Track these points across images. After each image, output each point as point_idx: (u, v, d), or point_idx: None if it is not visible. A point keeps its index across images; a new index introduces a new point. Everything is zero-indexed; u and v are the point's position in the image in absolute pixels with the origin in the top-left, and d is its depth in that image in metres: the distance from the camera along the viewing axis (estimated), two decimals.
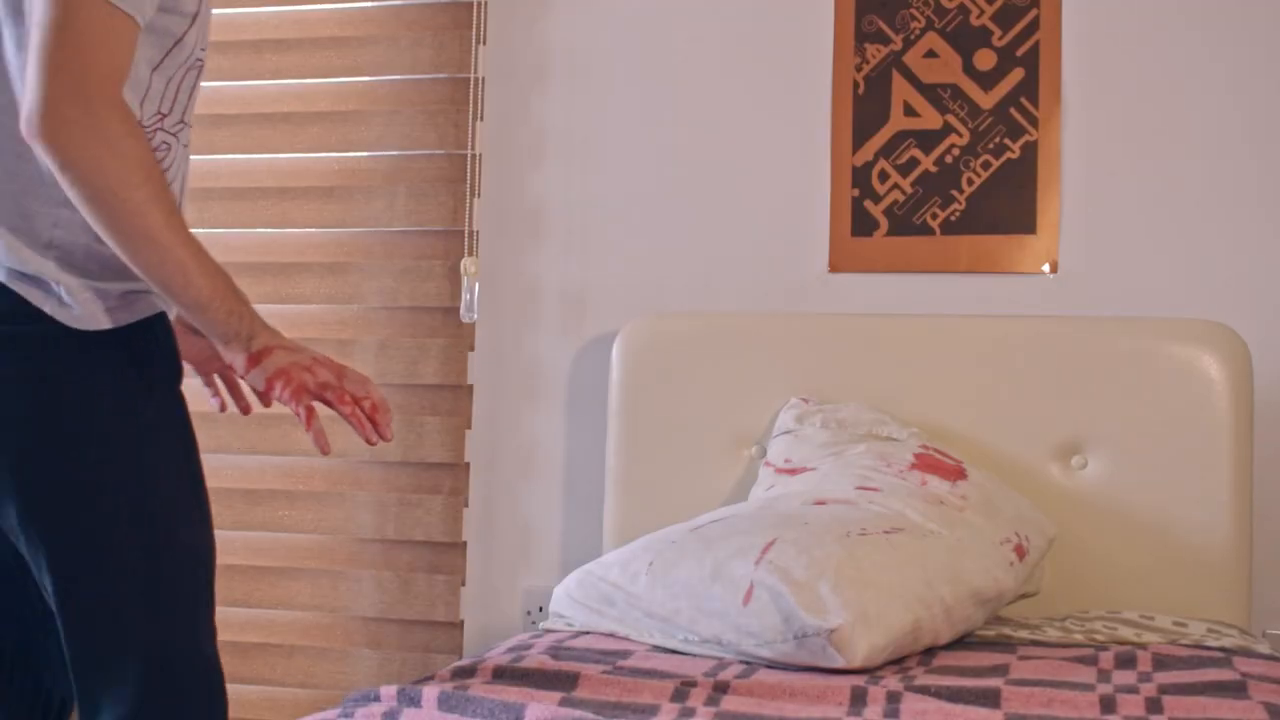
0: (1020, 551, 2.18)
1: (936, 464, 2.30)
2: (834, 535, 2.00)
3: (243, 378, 1.73)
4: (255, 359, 1.71)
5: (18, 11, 1.66)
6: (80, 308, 1.67)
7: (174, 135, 1.78)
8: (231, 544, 2.93)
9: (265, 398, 1.74)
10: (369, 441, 1.76)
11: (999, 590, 2.10)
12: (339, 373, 1.76)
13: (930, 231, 2.71)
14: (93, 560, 1.66)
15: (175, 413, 1.75)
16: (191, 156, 2.93)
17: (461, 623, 2.92)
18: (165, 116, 1.76)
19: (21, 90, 1.64)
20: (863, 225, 2.74)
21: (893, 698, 1.62)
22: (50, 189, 1.65)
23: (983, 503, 2.24)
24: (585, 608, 2.14)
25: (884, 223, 2.73)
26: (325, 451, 1.74)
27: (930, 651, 2.01)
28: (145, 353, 1.73)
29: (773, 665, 1.89)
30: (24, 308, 1.65)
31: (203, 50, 1.80)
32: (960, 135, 2.71)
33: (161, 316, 1.76)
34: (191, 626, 1.72)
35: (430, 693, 1.59)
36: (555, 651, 1.91)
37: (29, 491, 1.66)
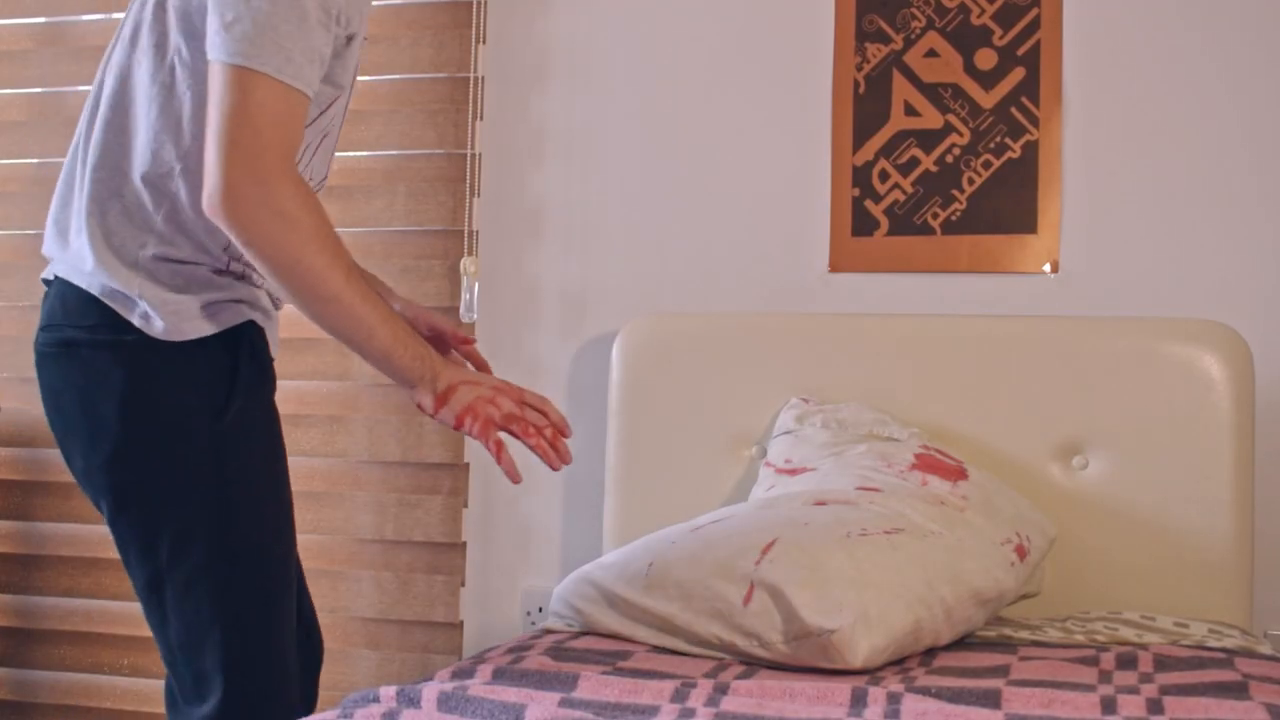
0: (1021, 552, 2.18)
1: (937, 464, 2.29)
2: (835, 536, 2.00)
3: (433, 416, 1.84)
4: (443, 398, 1.83)
5: (160, 48, 1.78)
6: (164, 321, 1.77)
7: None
8: None
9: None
10: (553, 468, 1.88)
11: (1000, 591, 2.09)
12: (519, 400, 1.87)
13: (931, 231, 2.71)
14: (172, 558, 1.79)
15: (257, 417, 1.86)
16: None
17: (461, 623, 2.92)
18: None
19: (144, 119, 1.77)
20: (863, 225, 2.74)
21: (893, 698, 1.62)
22: (144, 215, 1.78)
23: (983, 503, 2.23)
24: (584, 609, 2.14)
25: (884, 222, 2.73)
26: (516, 481, 1.86)
27: (931, 652, 2.00)
28: (229, 361, 1.83)
29: (773, 666, 1.88)
30: (115, 320, 1.78)
31: (342, 117, 1.93)
32: (961, 135, 2.70)
33: (249, 324, 1.85)
34: (265, 624, 1.83)
35: (430, 693, 1.59)
36: (555, 652, 1.90)
37: (118, 490, 1.80)
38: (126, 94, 1.82)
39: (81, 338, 1.81)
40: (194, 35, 1.75)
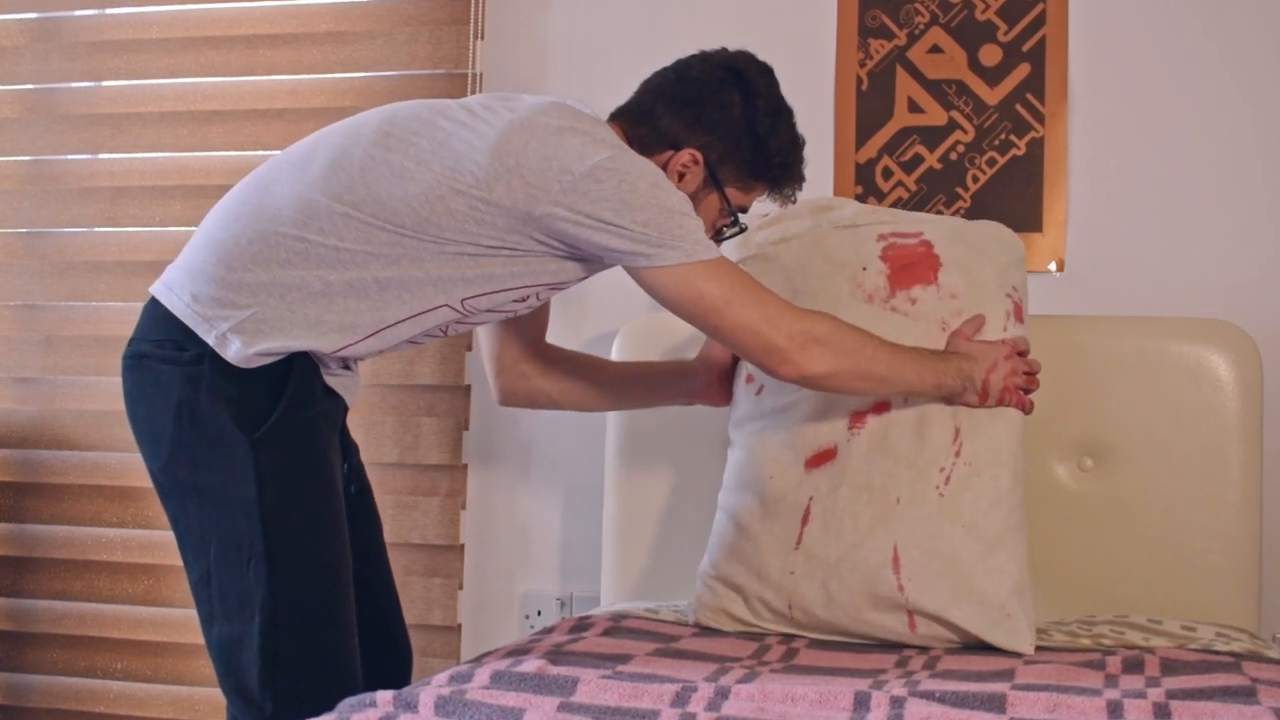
0: (1019, 312, 2.21)
1: (907, 258, 2.22)
2: (932, 503, 2.08)
3: (979, 406, 2.11)
4: (983, 395, 2.10)
5: (389, 136, 1.94)
6: (238, 349, 1.90)
7: (463, 313, 2.01)
8: None
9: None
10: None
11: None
12: (1017, 352, 2.13)
13: None
14: (219, 558, 1.91)
15: (299, 432, 1.95)
16: (183, 153, 2.98)
17: (459, 626, 2.90)
18: (479, 310, 2.02)
19: (312, 179, 1.93)
20: None
21: (896, 703, 1.60)
22: (277, 281, 1.90)
23: (970, 287, 2.20)
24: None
25: None
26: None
27: (935, 656, 2.00)
28: (274, 376, 1.92)
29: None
30: (189, 338, 1.91)
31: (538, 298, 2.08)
32: (965, 132, 2.69)
33: (302, 354, 1.95)
34: (308, 631, 1.93)
35: (427, 698, 1.57)
36: (554, 655, 1.89)
37: (174, 493, 1.96)
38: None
39: (151, 351, 1.95)
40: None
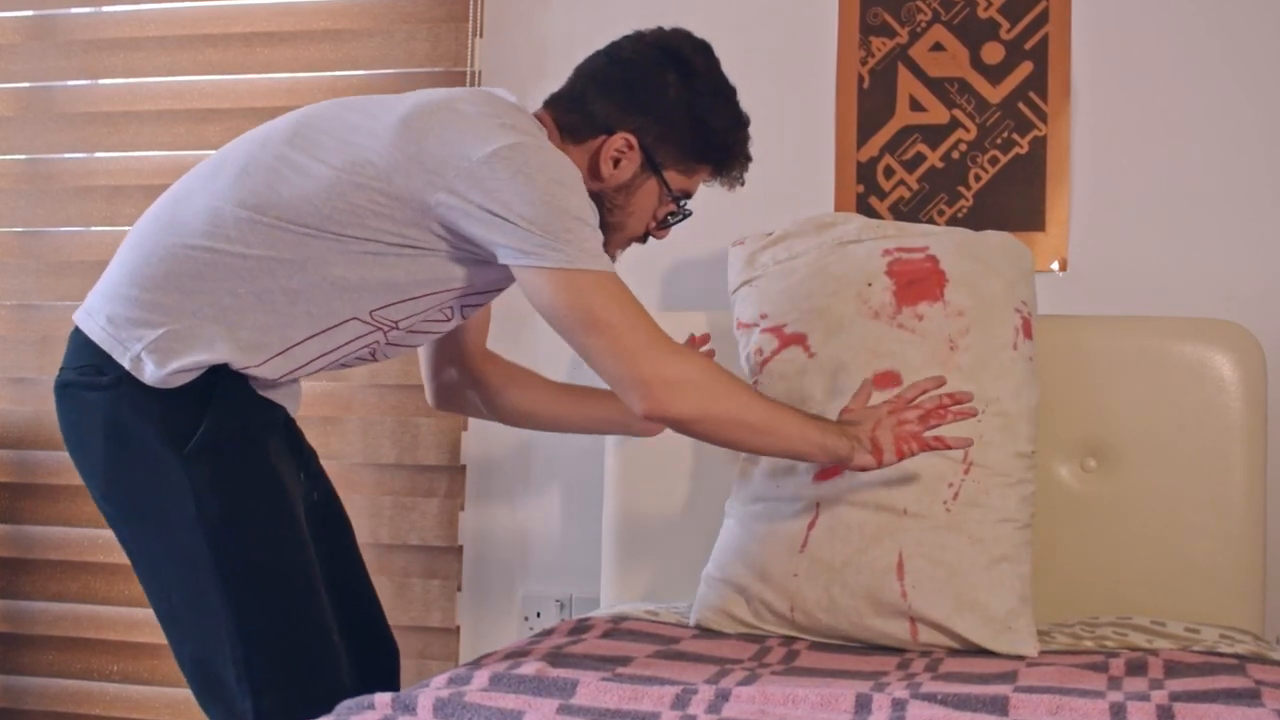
0: (1027, 328, 2.21)
1: (913, 273, 2.22)
2: (938, 515, 2.08)
3: (879, 468, 2.00)
4: (877, 455, 1.98)
5: (297, 136, 1.89)
6: (153, 370, 1.84)
7: (379, 330, 1.96)
8: None
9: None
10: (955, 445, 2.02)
11: (1032, 405, 2.19)
12: (907, 403, 2.00)
13: None
14: (177, 577, 1.89)
15: (232, 439, 1.89)
16: (180, 152, 2.97)
17: (458, 628, 2.89)
18: (394, 324, 1.95)
19: (220, 187, 1.87)
20: None
21: (898, 705, 1.59)
22: (186, 298, 1.85)
23: (977, 306, 2.19)
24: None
25: (890, 220, 2.69)
26: (960, 446, 2.02)
27: (937, 658, 2.00)
28: (204, 394, 1.87)
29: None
30: (107, 362, 1.86)
31: (463, 307, 2.02)
32: (967, 130, 2.68)
33: (223, 367, 1.88)
34: (282, 636, 1.89)
35: (426, 700, 1.56)
36: (553, 657, 1.88)
37: (118, 519, 1.92)
38: None
39: (75, 379, 1.91)
40: None
